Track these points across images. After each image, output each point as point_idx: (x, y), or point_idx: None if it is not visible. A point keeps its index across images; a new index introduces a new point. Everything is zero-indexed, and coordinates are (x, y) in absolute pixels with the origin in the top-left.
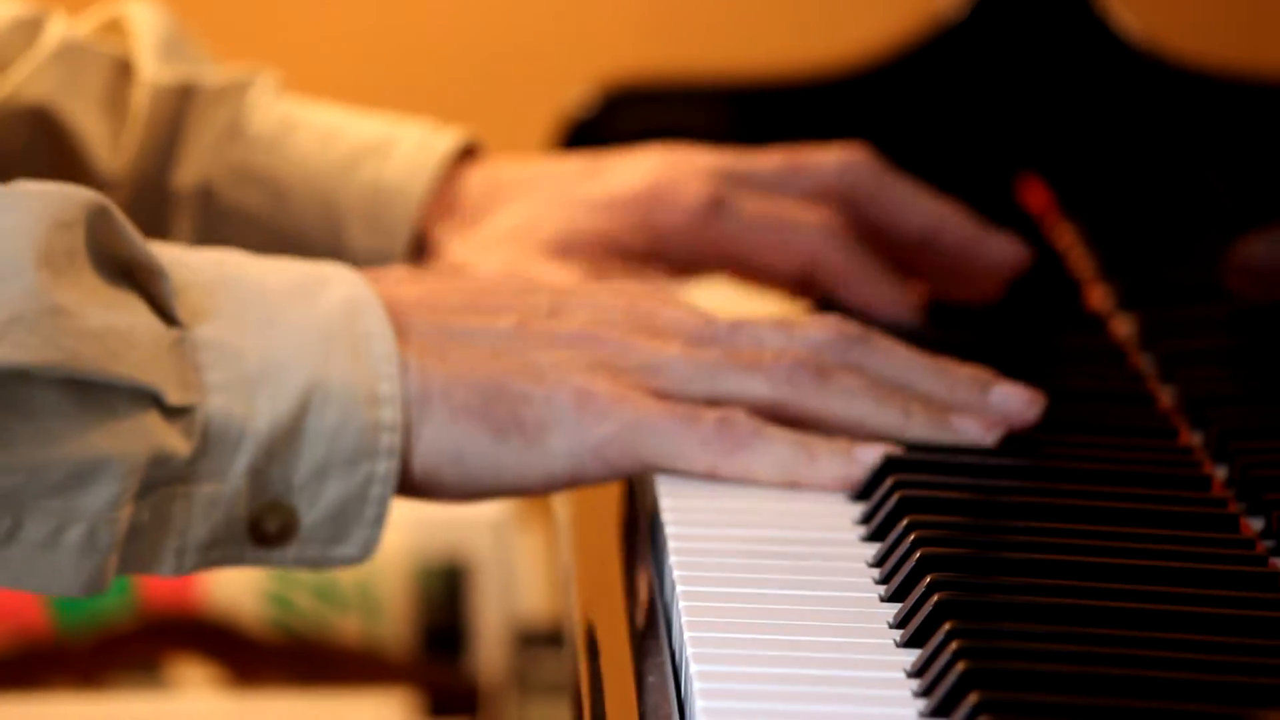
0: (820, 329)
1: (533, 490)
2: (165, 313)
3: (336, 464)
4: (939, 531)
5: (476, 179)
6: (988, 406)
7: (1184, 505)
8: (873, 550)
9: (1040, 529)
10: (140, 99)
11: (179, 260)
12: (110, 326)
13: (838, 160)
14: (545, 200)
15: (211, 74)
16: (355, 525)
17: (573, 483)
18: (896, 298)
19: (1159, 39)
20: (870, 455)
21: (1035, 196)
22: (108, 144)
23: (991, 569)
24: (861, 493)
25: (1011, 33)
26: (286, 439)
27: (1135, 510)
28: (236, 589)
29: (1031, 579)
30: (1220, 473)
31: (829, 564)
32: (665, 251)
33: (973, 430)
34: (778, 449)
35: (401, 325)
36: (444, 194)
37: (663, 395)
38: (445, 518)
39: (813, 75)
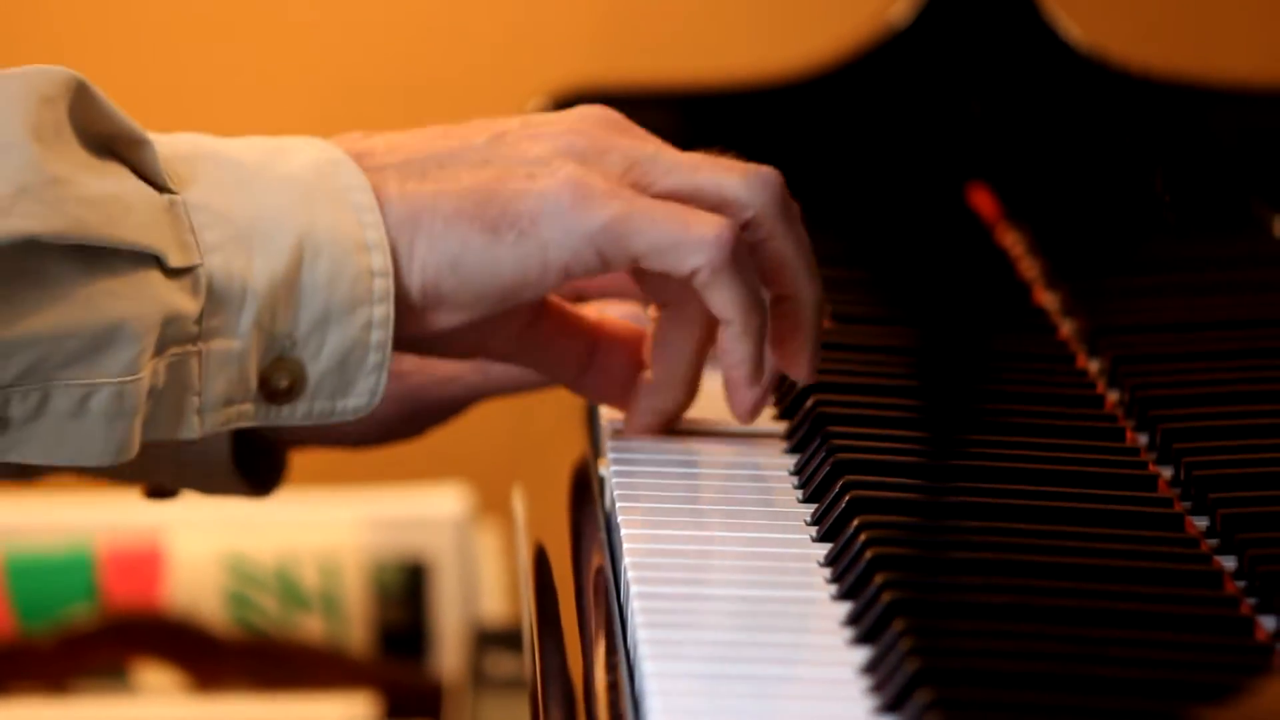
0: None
1: (532, 286)
2: (153, 180)
3: (335, 313)
4: (889, 532)
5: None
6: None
7: (1130, 505)
8: (824, 550)
9: (989, 529)
10: None
11: (155, 136)
12: (107, 193)
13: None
14: None
15: None
16: (359, 373)
17: (568, 274)
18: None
19: (1102, 46)
20: (754, 394)
21: (984, 202)
22: None
23: (941, 569)
24: (813, 494)
25: (957, 38)
26: (286, 292)
27: (1083, 510)
28: (199, 588)
29: (981, 578)
30: (1166, 473)
31: (781, 564)
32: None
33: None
34: (746, 292)
35: (375, 169)
36: None
37: (644, 188)
38: (406, 517)
39: (760, 81)
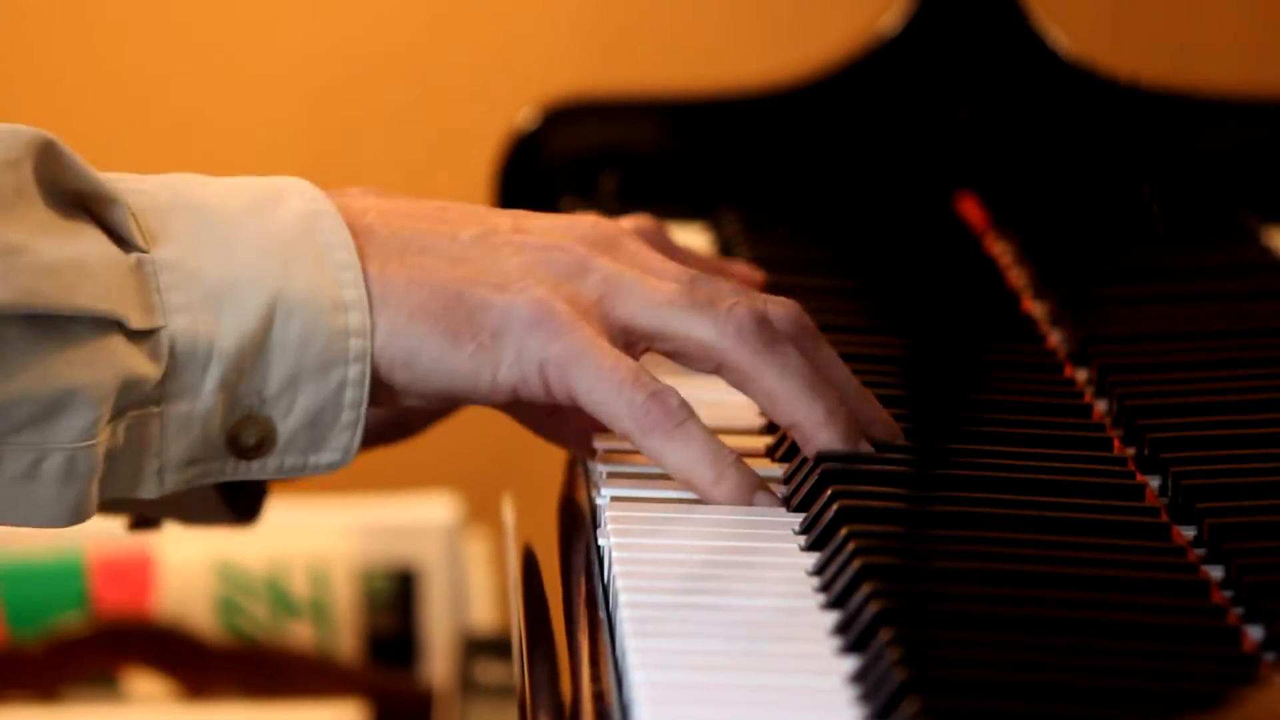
0: (781, 305)
1: (480, 398)
2: (122, 239)
3: (307, 372)
4: (877, 541)
5: None
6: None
7: (1118, 514)
8: (812, 559)
9: (977, 538)
10: None
11: (133, 187)
12: (66, 258)
13: (629, 223)
14: None
15: None
16: (333, 431)
17: (514, 395)
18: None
19: (1090, 55)
20: (765, 499)
21: (972, 211)
22: None
23: (929, 578)
24: (801, 503)
25: (946, 47)
26: (255, 352)
27: (1070, 519)
28: (189, 595)
29: (969, 587)
30: (1153, 482)
31: (769, 573)
32: None
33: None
34: (693, 449)
35: (360, 234)
36: None
37: (612, 321)
38: (396, 525)
39: (750, 89)
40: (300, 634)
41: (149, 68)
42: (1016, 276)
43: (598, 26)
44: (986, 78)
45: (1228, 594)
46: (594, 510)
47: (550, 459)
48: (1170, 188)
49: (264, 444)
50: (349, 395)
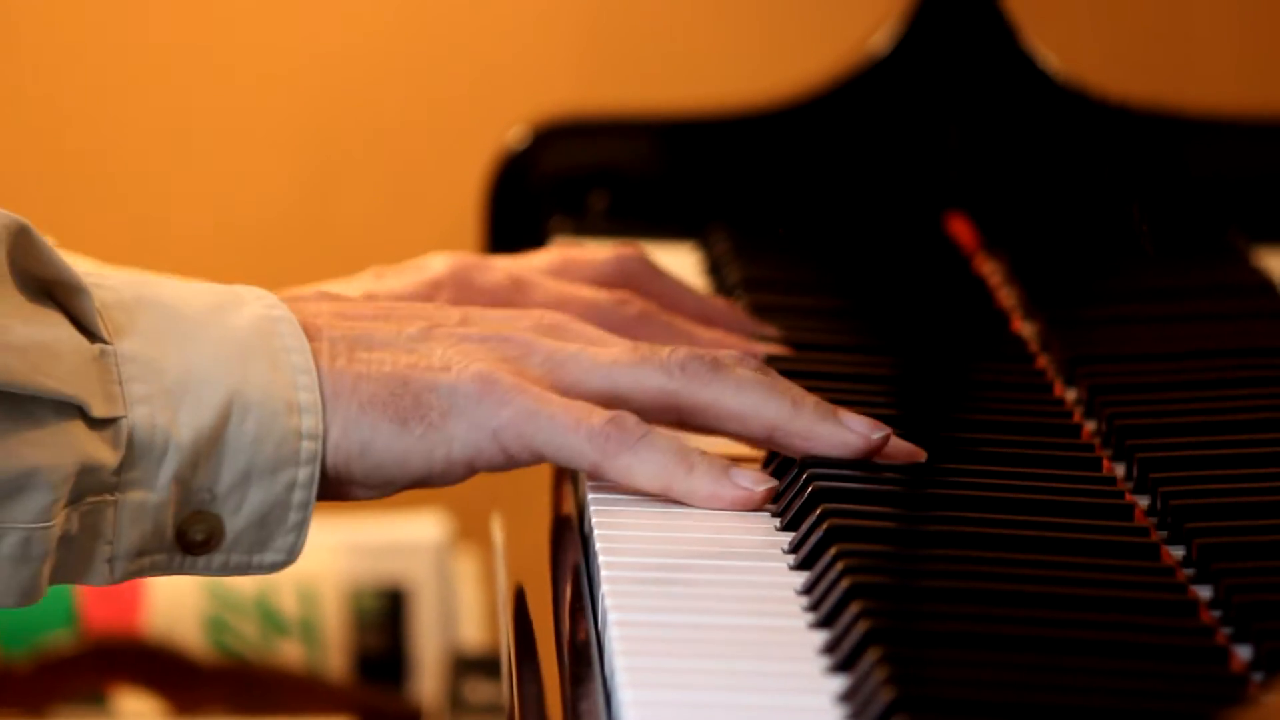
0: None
1: (437, 478)
2: (88, 328)
3: (258, 472)
4: (866, 560)
5: None
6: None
7: (1107, 534)
8: (801, 578)
9: (966, 557)
10: None
11: (99, 281)
12: (35, 341)
13: (612, 253)
14: None
15: None
16: (279, 531)
17: (473, 469)
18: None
19: (1079, 75)
20: (744, 478)
21: (962, 231)
22: None
23: (918, 597)
24: (790, 521)
25: (936, 67)
26: (209, 448)
27: (1060, 539)
28: (178, 613)
29: (957, 607)
30: (1143, 502)
31: (759, 592)
32: None
33: (858, 424)
34: (658, 456)
35: (313, 335)
36: None
37: (564, 390)
38: (385, 543)
39: (741, 109)
40: (290, 652)
41: (134, 97)
42: (1006, 296)
43: (589, 46)
44: (976, 97)
45: (1216, 614)
46: (583, 530)
47: (539, 479)
48: (1160, 207)
49: (211, 540)
50: (297, 496)
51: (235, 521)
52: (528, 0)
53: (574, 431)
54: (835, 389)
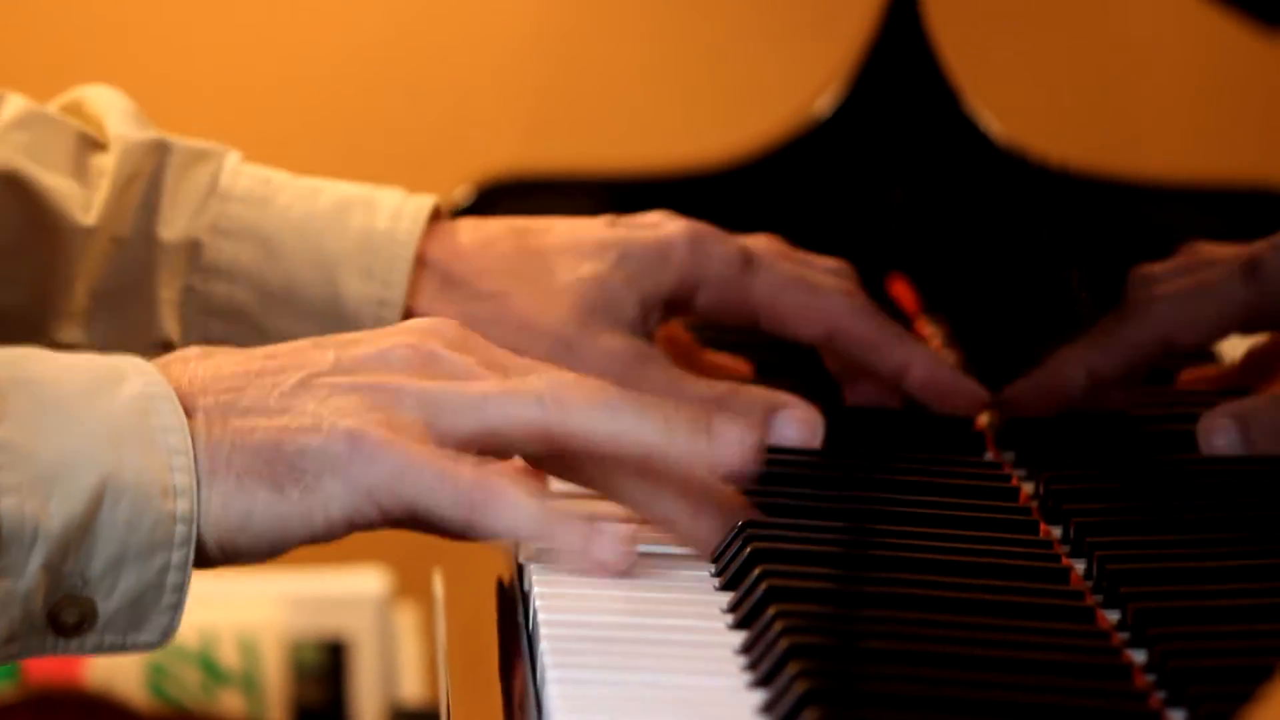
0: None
1: (320, 539)
2: None
3: (132, 556)
4: (805, 620)
5: (465, 231)
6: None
7: (1043, 597)
8: (740, 637)
9: (905, 619)
10: (110, 157)
11: None
12: None
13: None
14: (570, 261)
15: (180, 140)
16: (153, 612)
17: (354, 527)
18: (917, 357)
19: (1022, 139)
20: (606, 547)
21: (903, 293)
22: (79, 201)
23: (856, 658)
24: (729, 581)
25: (879, 129)
26: (80, 535)
27: (996, 601)
28: (119, 663)
29: (896, 668)
30: (1079, 566)
31: (697, 650)
32: (691, 302)
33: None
34: (523, 511)
35: (190, 408)
36: (436, 242)
37: (439, 435)
38: (326, 596)
39: (686, 169)
40: (230, 703)
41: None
42: (946, 359)
43: (536, 105)
44: (918, 160)
45: (1151, 678)
46: (523, 587)
47: None
48: (1101, 273)
49: (84, 623)
50: (171, 579)
51: (108, 605)
52: (474, 59)
53: (440, 484)
54: (773, 451)
